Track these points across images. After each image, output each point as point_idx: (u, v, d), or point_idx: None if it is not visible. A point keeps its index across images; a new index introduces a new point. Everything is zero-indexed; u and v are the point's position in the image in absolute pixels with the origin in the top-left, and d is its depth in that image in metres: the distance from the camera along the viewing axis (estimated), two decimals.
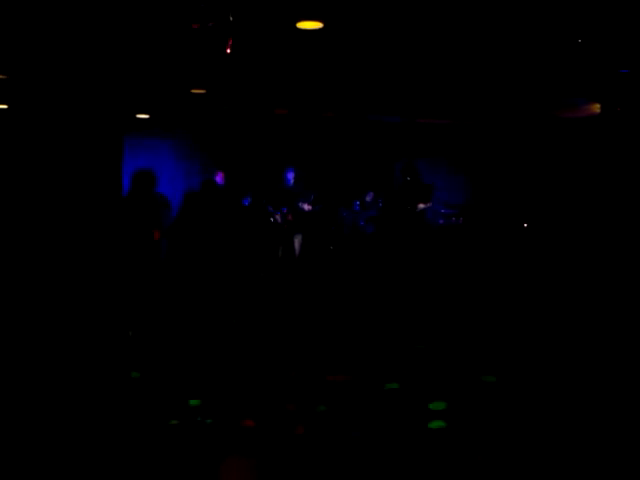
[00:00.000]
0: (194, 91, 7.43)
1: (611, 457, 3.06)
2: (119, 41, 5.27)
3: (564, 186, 8.99)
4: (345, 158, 10.75)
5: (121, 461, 2.99)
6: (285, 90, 7.48)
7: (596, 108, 7.85)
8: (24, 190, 9.16)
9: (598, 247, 7.68)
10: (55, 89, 7.43)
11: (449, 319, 5.94)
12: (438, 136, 10.47)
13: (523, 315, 6.05)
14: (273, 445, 3.15)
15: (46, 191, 9.22)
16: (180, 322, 5.74)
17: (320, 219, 9.41)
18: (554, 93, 7.22)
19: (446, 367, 4.48)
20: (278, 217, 8.01)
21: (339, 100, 8.15)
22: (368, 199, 9.67)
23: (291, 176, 8.10)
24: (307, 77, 6.69)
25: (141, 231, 9.62)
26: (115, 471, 2.91)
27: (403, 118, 9.32)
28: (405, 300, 6.87)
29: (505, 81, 6.60)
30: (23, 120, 9.19)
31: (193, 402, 3.71)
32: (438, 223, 9.81)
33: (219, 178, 8.30)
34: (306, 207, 8.04)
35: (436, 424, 3.42)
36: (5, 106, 8.39)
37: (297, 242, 8.13)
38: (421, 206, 8.22)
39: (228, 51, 4.30)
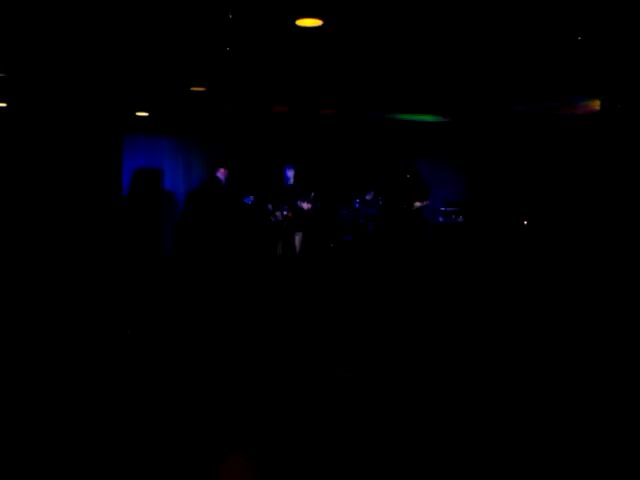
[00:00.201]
0: (194, 89, 7.42)
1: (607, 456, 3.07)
2: (119, 39, 5.26)
3: (564, 183, 8.98)
4: (345, 156, 10.75)
5: (121, 460, 2.99)
6: (284, 88, 7.48)
7: (596, 105, 7.84)
8: (23, 187, 9.17)
9: (598, 244, 7.68)
10: (54, 87, 7.44)
11: (447, 318, 5.94)
12: (438, 134, 10.47)
13: (523, 313, 6.05)
14: (273, 444, 3.15)
15: (45, 188, 9.25)
16: (181, 320, 5.74)
17: (320, 217, 9.41)
18: (553, 90, 7.22)
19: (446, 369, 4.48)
20: (278, 215, 8.01)
21: (338, 98, 8.15)
22: (368, 197, 9.67)
23: (291, 174, 8.09)
24: (306, 75, 6.68)
25: (146, 228, 9.65)
26: (115, 470, 2.91)
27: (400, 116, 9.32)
28: (404, 298, 6.87)
29: (506, 78, 6.60)
30: (22, 118, 9.20)
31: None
32: (438, 221, 9.82)
33: (220, 174, 8.29)
34: (305, 206, 8.03)
35: None
36: (4, 104, 8.39)
37: (297, 240, 8.13)
38: (417, 204, 8.12)
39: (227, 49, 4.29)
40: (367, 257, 9.21)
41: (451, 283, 7.81)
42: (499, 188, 10.13)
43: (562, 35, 4.87)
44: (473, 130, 10.13)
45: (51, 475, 2.86)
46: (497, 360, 4.59)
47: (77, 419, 3.43)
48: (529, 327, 5.51)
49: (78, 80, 7.00)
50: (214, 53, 5.72)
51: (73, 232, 9.06)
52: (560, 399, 3.80)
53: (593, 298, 6.46)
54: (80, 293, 7.05)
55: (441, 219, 9.87)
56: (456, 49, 5.43)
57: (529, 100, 7.88)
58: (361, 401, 3.73)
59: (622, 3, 4.12)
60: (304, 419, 3.46)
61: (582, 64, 5.85)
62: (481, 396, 3.84)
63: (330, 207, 9.62)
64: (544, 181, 9.41)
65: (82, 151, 9.47)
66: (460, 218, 9.86)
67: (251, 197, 8.18)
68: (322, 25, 4.66)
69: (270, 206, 8.05)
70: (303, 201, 8.02)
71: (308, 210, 8.09)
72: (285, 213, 7.98)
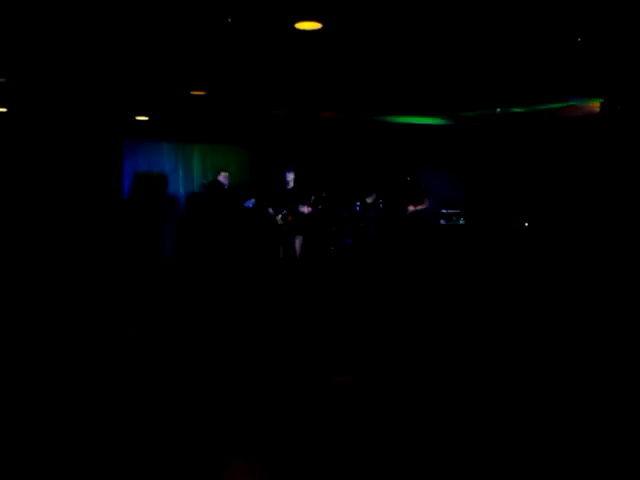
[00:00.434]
0: (193, 93, 7.43)
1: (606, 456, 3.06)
2: (118, 43, 5.26)
3: (564, 185, 8.98)
4: (346, 159, 10.75)
5: (125, 464, 2.97)
6: (284, 91, 7.48)
7: (596, 107, 7.84)
8: (24, 192, 9.16)
9: (599, 245, 7.67)
10: (54, 92, 7.44)
11: (448, 320, 5.93)
12: (438, 136, 10.47)
13: (525, 314, 6.04)
14: (275, 448, 3.14)
15: (45, 193, 9.24)
16: (182, 323, 5.73)
17: (320, 220, 9.40)
18: (553, 92, 7.22)
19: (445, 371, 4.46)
20: (278, 219, 8.00)
21: (338, 100, 8.14)
22: (369, 200, 9.67)
23: (291, 177, 8.08)
24: (306, 78, 6.68)
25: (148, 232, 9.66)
26: (120, 474, 2.89)
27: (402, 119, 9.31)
28: (404, 301, 6.85)
29: (506, 80, 6.59)
30: (22, 123, 9.21)
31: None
32: (439, 224, 9.81)
33: (222, 178, 8.31)
34: (305, 210, 8.01)
35: None
36: (4, 109, 8.40)
37: (298, 243, 8.12)
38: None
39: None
40: (367, 260, 9.20)
41: (452, 285, 7.80)
42: (500, 190, 10.12)
43: (562, 36, 4.87)
44: (473, 132, 10.14)
45: (53, 474, 2.85)
46: (499, 363, 4.57)
47: (79, 422, 3.42)
48: (530, 328, 5.49)
49: (78, 85, 7.00)
50: (214, 57, 5.72)
51: (72, 235, 9.07)
52: (560, 399, 3.79)
53: (594, 298, 6.45)
54: (81, 295, 7.06)
55: (442, 221, 9.86)
56: (456, 51, 5.43)
57: (529, 102, 7.88)
58: (361, 404, 3.72)
59: (621, 4, 4.12)
60: (305, 422, 3.45)
61: (582, 65, 5.85)
62: (482, 399, 3.83)
63: (331, 210, 9.62)
64: (545, 182, 9.41)
65: (82, 155, 9.48)
66: (461, 221, 9.85)
67: (252, 200, 8.17)
68: (321, 28, 4.66)
69: (270, 210, 8.04)
70: (303, 205, 8.01)
71: (308, 214, 8.08)
72: (285, 215, 7.97)
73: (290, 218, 7.98)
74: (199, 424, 3.42)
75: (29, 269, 8.24)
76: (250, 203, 8.17)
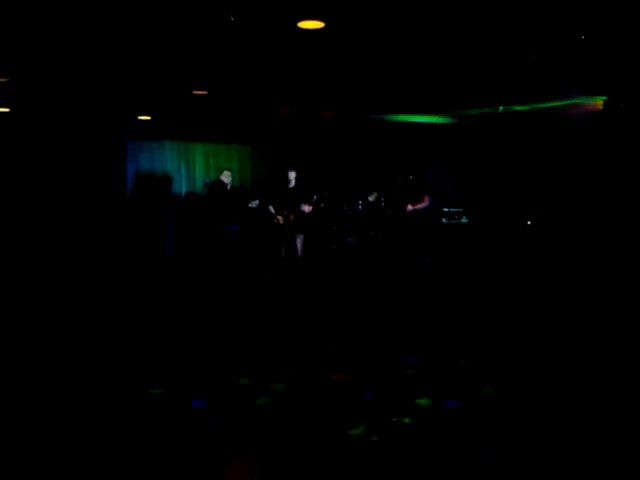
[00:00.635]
0: (196, 92, 7.42)
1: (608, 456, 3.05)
2: (121, 43, 5.26)
3: (567, 184, 8.96)
4: (348, 158, 10.75)
5: (126, 464, 2.98)
6: (287, 90, 7.46)
7: (599, 105, 7.82)
8: (27, 193, 9.18)
9: (602, 243, 7.66)
10: (57, 91, 7.44)
11: (449, 319, 5.93)
12: (441, 134, 10.46)
13: (527, 313, 6.03)
14: (274, 448, 3.14)
15: (49, 191, 9.26)
16: (183, 321, 5.73)
17: (322, 219, 9.40)
18: (556, 90, 7.20)
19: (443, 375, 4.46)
20: (280, 218, 8.00)
21: (340, 99, 8.13)
22: (371, 199, 9.67)
23: (293, 176, 8.08)
24: (309, 77, 6.67)
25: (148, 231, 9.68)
26: (120, 474, 2.90)
27: (405, 118, 9.30)
28: (406, 299, 6.85)
29: (509, 78, 6.58)
30: (24, 123, 9.21)
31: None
32: (441, 222, 9.80)
33: (225, 177, 8.31)
34: (306, 209, 8.01)
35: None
36: (7, 109, 8.41)
37: (299, 242, 8.12)
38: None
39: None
40: (369, 259, 9.20)
41: (452, 284, 7.79)
42: (502, 188, 10.11)
43: (565, 34, 4.85)
44: (476, 130, 10.12)
45: (55, 475, 2.86)
46: (500, 363, 4.57)
47: (80, 422, 3.42)
48: (533, 327, 5.49)
49: (80, 84, 7.00)
50: (216, 56, 5.72)
51: (75, 233, 9.09)
52: (561, 398, 3.78)
53: (599, 297, 6.44)
54: (84, 291, 7.09)
55: (444, 220, 9.85)
56: (459, 48, 5.42)
57: (532, 100, 7.86)
58: (360, 404, 3.72)
59: (624, 1, 4.11)
60: (304, 422, 3.45)
61: (585, 63, 5.83)
62: (482, 399, 3.83)
63: (333, 209, 9.62)
64: (548, 181, 9.39)
65: (85, 154, 9.50)
66: (463, 219, 9.84)
67: (257, 202, 8.19)
68: (324, 27, 4.65)
69: (271, 208, 8.04)
70: (304, 204, 8.00)
71: (309, 213, 8.07)
72: (287, 214, 7.97)
73: (292, 217, 7.98)
74: (199, 424, 3.42)
75: (36, 265, 8.30)
76: (255, 204, 8.19)
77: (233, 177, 8.70)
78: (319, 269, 8.76)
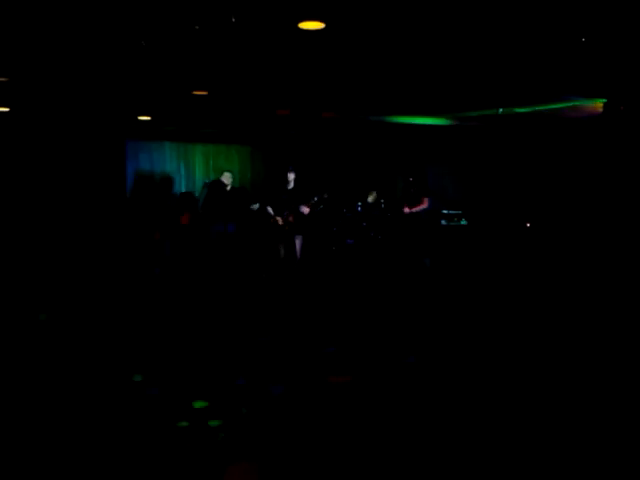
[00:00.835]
0: (196, 93, 7.42)
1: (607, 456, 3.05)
2: (121, 44, 5.26)
3: (567, 186, 8.96)
4: (348, 159, 10.74)
5: (127, 466, 2.97)
6: (287, 91, 7.47)
7: (598, 107, 7.82)
8: (27, 193, 9.18)
9: (603, 246, 7.66)
10: (57, 91, 7.45)
11: (449, 320, 5.92)
12: (441, 136, 10.46)
13: (527, 315, 6.03)
14: (275, 449, 3.14)
15: (49, 191, 9.25)
16: (182, 321, 5.73)
17: (322, 220, 9.40)
18: (556, 92, 7.21)
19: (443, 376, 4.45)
20: (279, 219, 7.99)
21: (340, 101, 8.13)
22: (370, 200, 9.66)
23: (292, 177, 8.07)
24: (309, 78, 6.68)
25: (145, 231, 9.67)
26: (119, 473, 2.89)
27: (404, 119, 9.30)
28: (405, 301, 6.85)
29: (509, 80, 6.59)
30: (24, 123, 9.21)
31: (198, 404, 3.70)
32: (440, 224, 9.80)
33: (225, 178, 8.31)
34: (305, 210, 8.00)
35: None
36: (7, 109, 8.40)
37: (298, 243, 8.11)
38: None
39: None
40: (368, 261, 9.19)
41: (451, 286, 7.79)
42: (502, 190, 10.11)
43: (565, 36, 4.86)
44: (476, 132, 10.12)
45: (55, 476, 2.86)
46: (502, 365, 4.57)
47: (79, 421, 3.42)
48: (532, 329, 5.49)
49: (80, 84, 7.00)
50: (216, 57, 5.72)
51: (73, 233, 9.09)
52: (561, 398, 3.78)
53: (599, 299, 6.44)
54: (84, 290, 7.09)
55: (443, 222, 9.85)
56: (459, 51, 5.42)
57: (532, 102, 7.87)
58: (360, 405, 3.71)
59: (624, 4, 4.11)
60: (303, 423, 3.44)
61: (585, 66, 5.84)
62: (482, 399, 3.82)
63: (332, 210, 9.61)
64: (547, 183, 9.39)
65: (85, 154, 9.49)
66: (462, 221, 9.84)
67: (257, 205, 8.19)
68: (324, 28, 4.66)
69: (269, 209, 8.03)
70: (303, 206, 7.99)
71: (309, 214, 8.07)
72: (286, 215, 7.96)
73: (291, 218, 7.97)
74: (199, 424, 3.42)
75: (36, 265, 8.30)
76: (255, 207, 8.19)
77: (234, 178, 8.70)
78: (318, 270, 8.76)
